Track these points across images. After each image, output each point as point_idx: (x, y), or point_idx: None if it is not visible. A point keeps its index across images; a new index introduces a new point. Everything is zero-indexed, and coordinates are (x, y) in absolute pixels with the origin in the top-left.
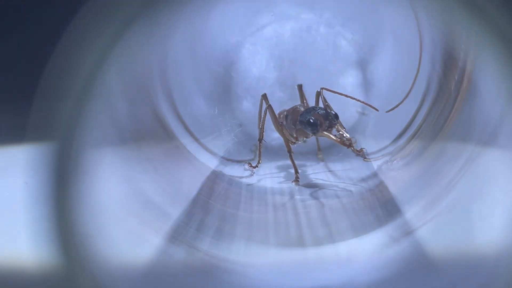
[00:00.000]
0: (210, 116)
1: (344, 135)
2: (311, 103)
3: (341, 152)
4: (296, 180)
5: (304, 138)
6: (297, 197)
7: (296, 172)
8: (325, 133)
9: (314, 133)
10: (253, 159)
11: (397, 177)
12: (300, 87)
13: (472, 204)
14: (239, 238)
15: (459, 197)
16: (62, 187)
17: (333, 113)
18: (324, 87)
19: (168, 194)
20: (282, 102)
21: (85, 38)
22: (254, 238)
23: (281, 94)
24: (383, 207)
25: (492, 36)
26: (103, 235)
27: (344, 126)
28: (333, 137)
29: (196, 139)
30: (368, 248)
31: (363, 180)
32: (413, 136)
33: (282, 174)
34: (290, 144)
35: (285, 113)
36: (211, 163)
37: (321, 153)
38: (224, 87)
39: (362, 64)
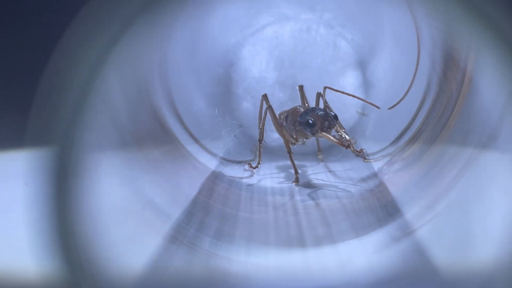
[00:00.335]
0: (210, 117)
1: (343, 136)
2: (312, 104)
3: (341, 152)
4: (296, 180)
5: (304, 139)
6: (297, 197)
7: (296, 172)
8: (324, 134)
9: (313, 134)
10: (253, 160)
11: (397, 178)
12: (301, 88)
13: (472, 205)
14: (239, 239)
15: (459, 198)
16: (61, 188)
17: (333, 114)
18: (327, 86)
19: (168, 194)
20: (282, 102)
21: (85, 38)
22: (254, 238)
23: (281, 94)
24: (383, 208)
25: (492, 36)
26: (103, 236)
27: (344, 127)
28: (332, 138)
29: (196, 140)
30: (368, 249)
31: (363, 180)
32: (413, 137)
33: (282, 174)
34: (290, 145)
35: (285, 113)
36: (211, 163)
37: (321, 154)
38: (224, 88)
39: (362, 65)
